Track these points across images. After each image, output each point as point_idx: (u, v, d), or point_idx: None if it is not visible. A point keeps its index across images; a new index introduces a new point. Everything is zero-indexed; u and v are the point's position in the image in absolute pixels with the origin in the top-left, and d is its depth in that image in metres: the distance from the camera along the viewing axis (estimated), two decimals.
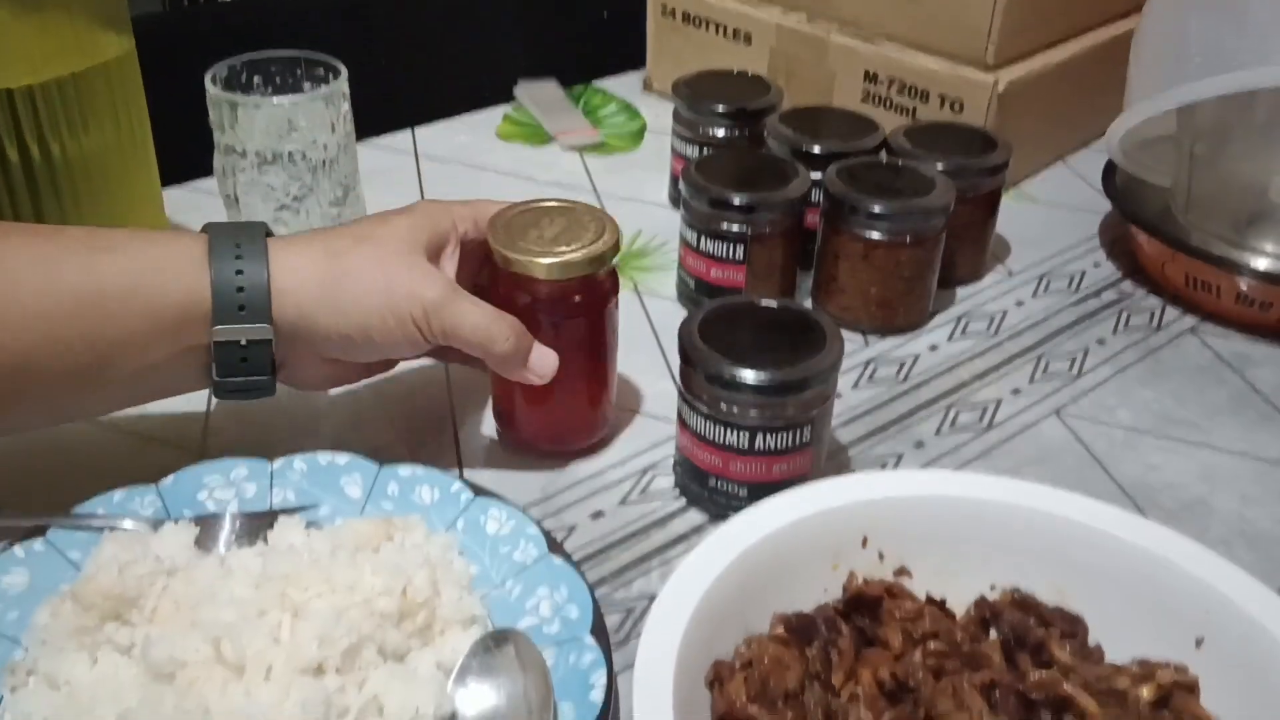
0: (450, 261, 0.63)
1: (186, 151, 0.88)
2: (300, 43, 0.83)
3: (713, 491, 0.64)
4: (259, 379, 0.60)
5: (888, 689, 0.50)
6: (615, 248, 0.65)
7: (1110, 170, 0.94)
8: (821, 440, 0.64)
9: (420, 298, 0.59)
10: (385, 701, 0.49)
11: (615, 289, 0.67)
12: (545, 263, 0.62)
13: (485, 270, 0.67)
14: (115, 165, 0.75)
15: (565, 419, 0.69)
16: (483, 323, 0.61)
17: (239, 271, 0.57)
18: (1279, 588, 0.57)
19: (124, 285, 0.56)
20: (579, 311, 0.65)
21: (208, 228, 0.60)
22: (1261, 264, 0.84)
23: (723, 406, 0.62)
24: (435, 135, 1.09)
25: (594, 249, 0.63)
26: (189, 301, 0.57)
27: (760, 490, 0.60)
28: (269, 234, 0.60)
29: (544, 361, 0.63)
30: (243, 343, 0.58)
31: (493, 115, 1.14)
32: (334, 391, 0.73)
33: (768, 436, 0.62)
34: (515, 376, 0.64)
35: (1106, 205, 0.95)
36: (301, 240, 0.60)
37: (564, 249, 0.63)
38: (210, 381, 0.60)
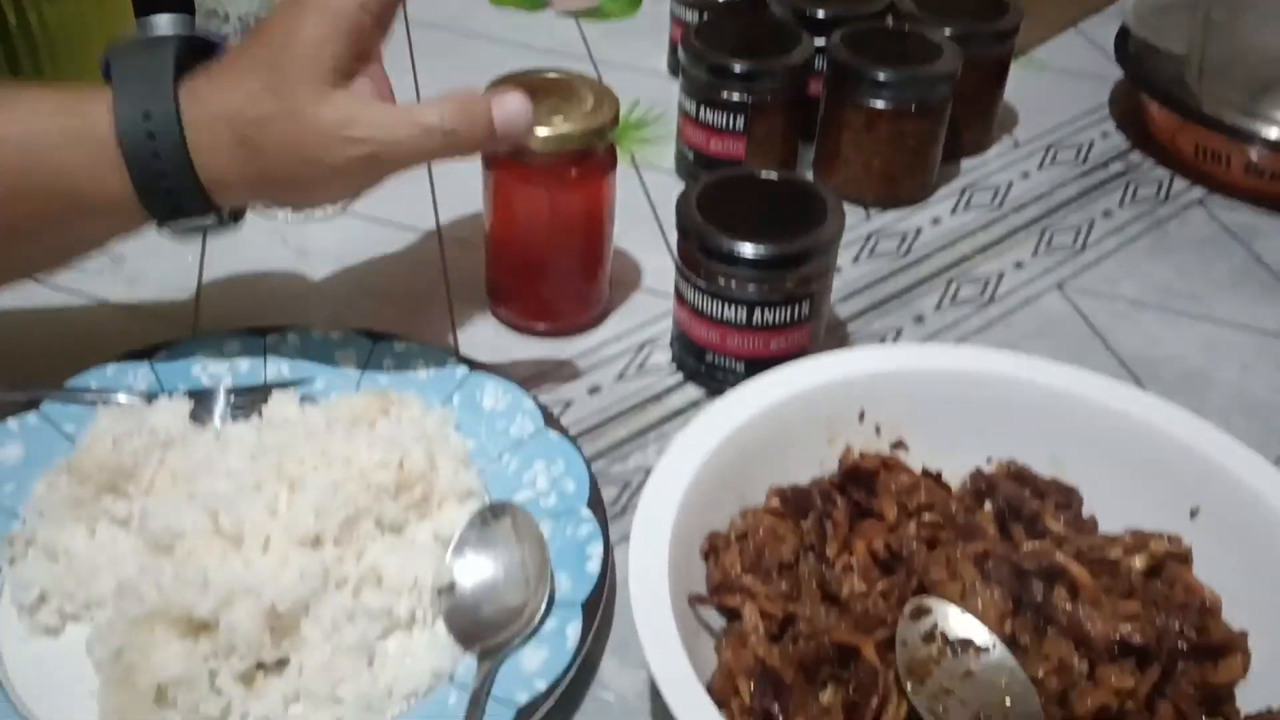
0: (364, 87, 0.54)
1: None
2: None
3: (710, 367, 0.64)
4: (201, 218, 0.55)
5: (881, 559, 0.50)
6: (614, 121, 0.63)
7: (1123, 36, 0.91)
8: (820, 315, 0.64)
9: (345, 119, 0.51)
10: (383, 572, 0.50)
11: (613, 164, 0.65)
12: (540, 134, 0.60)
13: None
14: (94, 30, 0.73)
15: (560, 297, 0.68)
16: (416, 118, 0.53)
17: (147, 115, 0.51)
18: (1276, 458, 0.57)
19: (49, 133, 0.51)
20: (575, 186, 0.63)
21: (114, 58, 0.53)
22: (1273, 133, 0.82)
23: (720, 281, 0.61)
24: (425, 1, 1.05)
25: (591, 121, 0.62)
26: (100, 152, 0.51)
27: (757, 365, 0.59)
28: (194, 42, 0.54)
29: (511, 113, 0.54)
30: (164, 189, 0.52)
31: None
32: (328, 267, 0.72)
33: (766, 311, 0.61)
34: (496, 146, 0.56)
35: (1118, 73, 0.93)
36: (211, 81, 0.53)
37: (560, 120, 0.61)
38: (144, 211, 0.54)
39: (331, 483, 0.50)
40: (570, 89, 0.64)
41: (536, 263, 0.64)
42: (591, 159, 0.63)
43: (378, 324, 0.64)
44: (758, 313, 0.61)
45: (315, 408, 0.57)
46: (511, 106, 0.54)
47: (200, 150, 0.52)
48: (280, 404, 0.56)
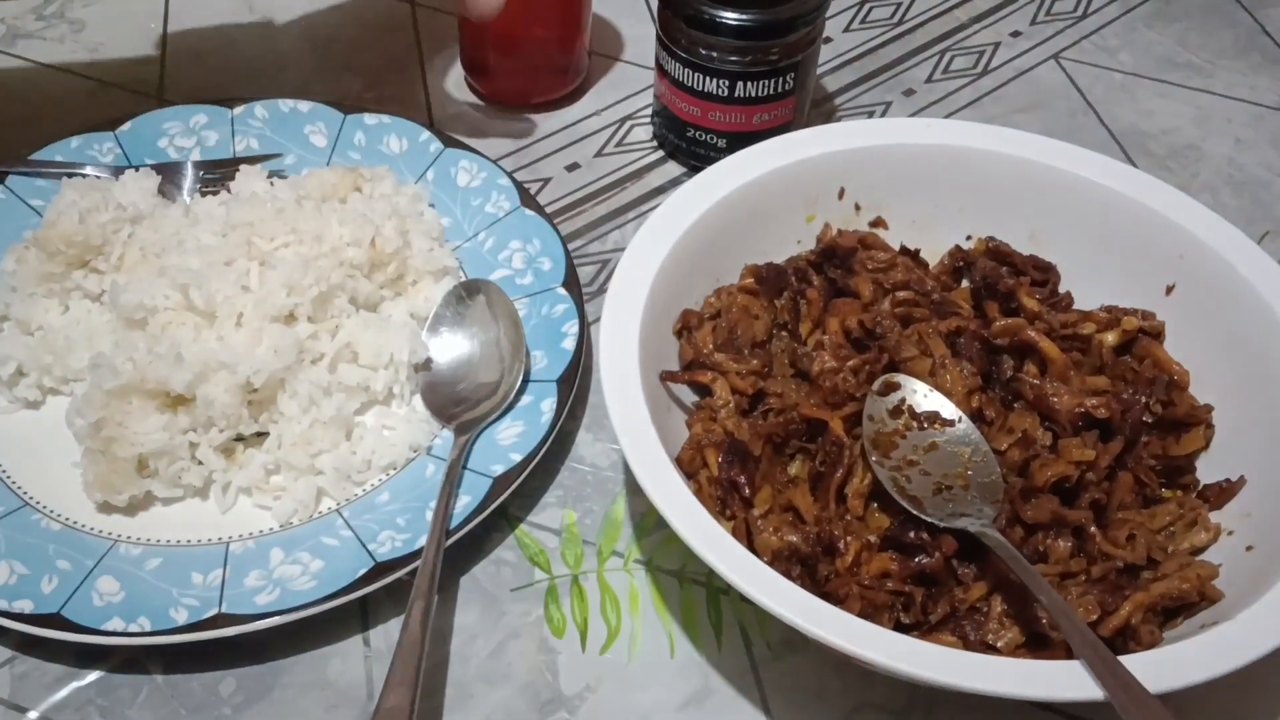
0: None
1: None
2: None
3: (691, 142, 0.62)
4: None
5: (854, 337, 0.50)
6: None
7: None
8: (805, 88, 0.62)
9: None
10: (359, 348, 0.50)
11: None
12: None
13: None
14: None
15: (538, 65, 0.65)
16: None
17: None
18: (1262, 234, 0.56)
19: None
20: None
21: None
22: None
23: (702, 51, 0.58)
24: None
25: None
26: None
27: (740, 141, 0.58)
28: None
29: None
30: None
31: None
32: (296, 34, 0.69)
33: (748, 84, 0.59)
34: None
35: None
36: None
37: None
38: None
39: (303, 260, 0.50)
40: None
41: (511, 31, 0.61)
42: None
43: (348, 95, 0.62)
44: (740, 85, 0.59)
45: (285, 183, 0.56)
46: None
47: None
48: (248, 179, 0.55)
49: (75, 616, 0.42)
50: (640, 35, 0.71)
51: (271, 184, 0.55)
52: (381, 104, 0.63)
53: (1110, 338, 0.50)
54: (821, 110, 0.67)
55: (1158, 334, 0.50)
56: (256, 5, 0.71)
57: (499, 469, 0.47)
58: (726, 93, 0.60)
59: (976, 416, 0.46)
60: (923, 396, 0.46)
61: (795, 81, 0.60)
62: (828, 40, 0.71)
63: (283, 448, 0.47)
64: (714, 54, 0.58)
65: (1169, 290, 0.50)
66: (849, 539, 0.43)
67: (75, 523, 0.46)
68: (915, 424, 0.46)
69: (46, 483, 0.47)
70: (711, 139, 0.62)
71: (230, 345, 0.47)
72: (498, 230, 0.57)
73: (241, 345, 0.47)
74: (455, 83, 0.67)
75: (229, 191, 0.55)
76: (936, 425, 0.46)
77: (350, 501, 0.47)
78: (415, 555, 0.44)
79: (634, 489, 0.50)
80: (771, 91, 0.60)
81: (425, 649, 0.41)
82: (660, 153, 0.65)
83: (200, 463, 0.47)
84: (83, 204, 0.51)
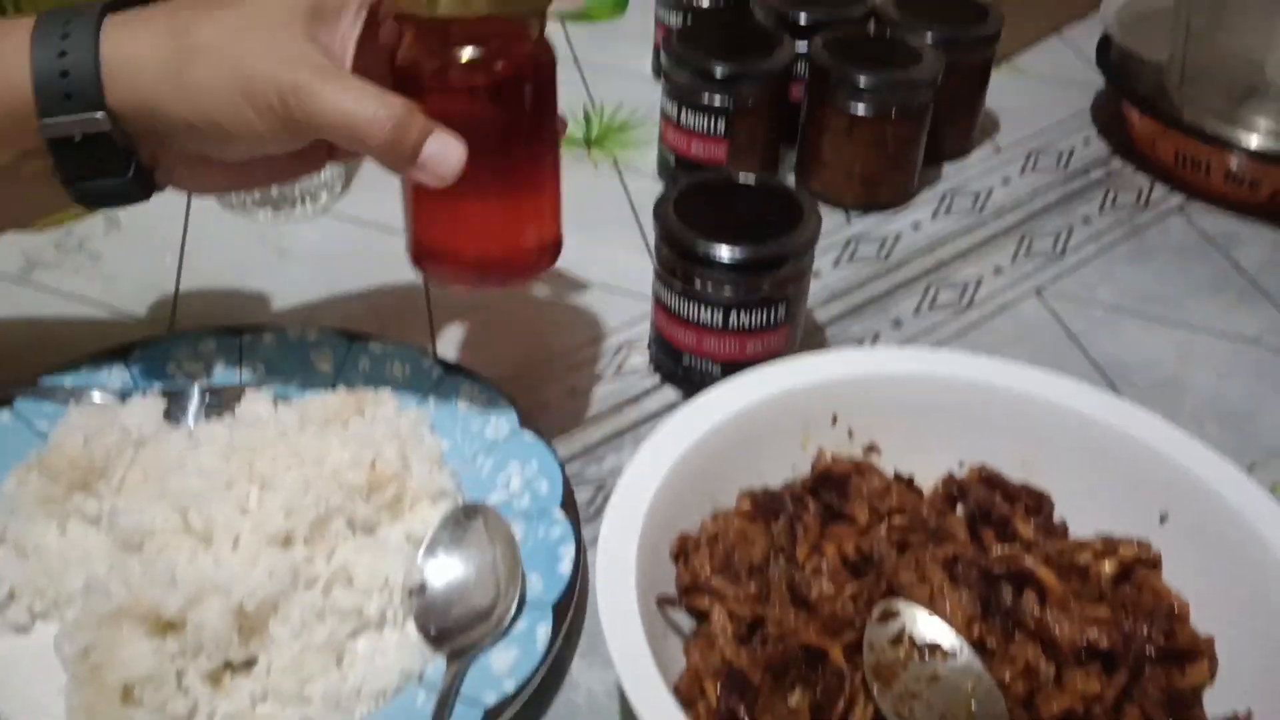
0: (351, 28, 0.50)
1: None
2: None
3: (687, 370, 0.64)
4: (116, 181, 0.50)
5: (851, 563, 0.50)
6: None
7: (1105, 44, 0.92)
8: (797, 319, 0.64)
9: (277, 81, 0.46)
10: (354, 572, 0.50)
11: (550, 61, 0.51)
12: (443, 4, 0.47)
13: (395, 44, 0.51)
14: None
15: (496, 238, 0.54)
16: (352, 108, 0.47)
17: (62, 53, 0.47)
18: (1249, 465, 0.57)
19: None
20: (502, 81, 0.49)
21: (40, 13, 0.49)
22: (1254, 141, 0.82)
23: (697, 283, 0.61)
24: None
25: None
26: (9, 95, 0.47)
27: (734, 368, 0.59)
28: (119, 7, 0.49)
29: (442, 154, 0.48)
30: (77, 138, 0.48)
31: None
32: (307, 267, 0.72)
33: (742, 314, 0.61)
34: (410, 177, 0.49)
35: (1100, 80, 0.93)
36: (142, 14, 0.49)
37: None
38: (64, 186, 0.50)
39: (303, 481, 0.50)
40: None
41: (459, 196, 0.49)
42: (520, 46, 0.50)
43: (355, 324, 0.64)
44: (734, 315, 0.61)
45: (289, 407, 0.56)
46: (448, 151, 0.48)
47: (117, 50, 0.48)
48: (254, 403, 0.56)
49: None
50: (637, 267, 0.74)
51: (276, 408, 0.56)
52: (386, 331, 0.65)
53: (1108, 567, 0.50)
54: (813, 340, 0.70)
55: (1155, 564, 0.50)
56: (268, 237, 0.75)
57: (491, 698, 0.46)
58: (721, 322, 0.62)
59: (978, 645, 0.46)
60: (923, 625, 0.46)
61: (787, 312, 0.62)
62: (817, 275, 0.74)
63: (272, 674, 0.46)
64: (709, 285, 0.61)
65: (1163, 519, 0.51)
66: None
67: None
68: (916, 654, 0.45)
69: (30, 711, 0.46)
70: (706, 366, 0.63)
71: (226, 568, 0.47)
72: (496, 453, 0.57)
73: (237, 568, 0.47)
74: (458, 309, 0.70)
75: (234, 415, 0.56)
76: (938, 655, 0.45)
77: None
78: None
79: (630, 718, 0.49)
80: (764, 322, 0.62)
81: None
82: (657, 378, 0.66)
83: (186, 691, 0.46)
84: (88, 428, 0.52)
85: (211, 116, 0.48)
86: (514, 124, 0.51)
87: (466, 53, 0.49)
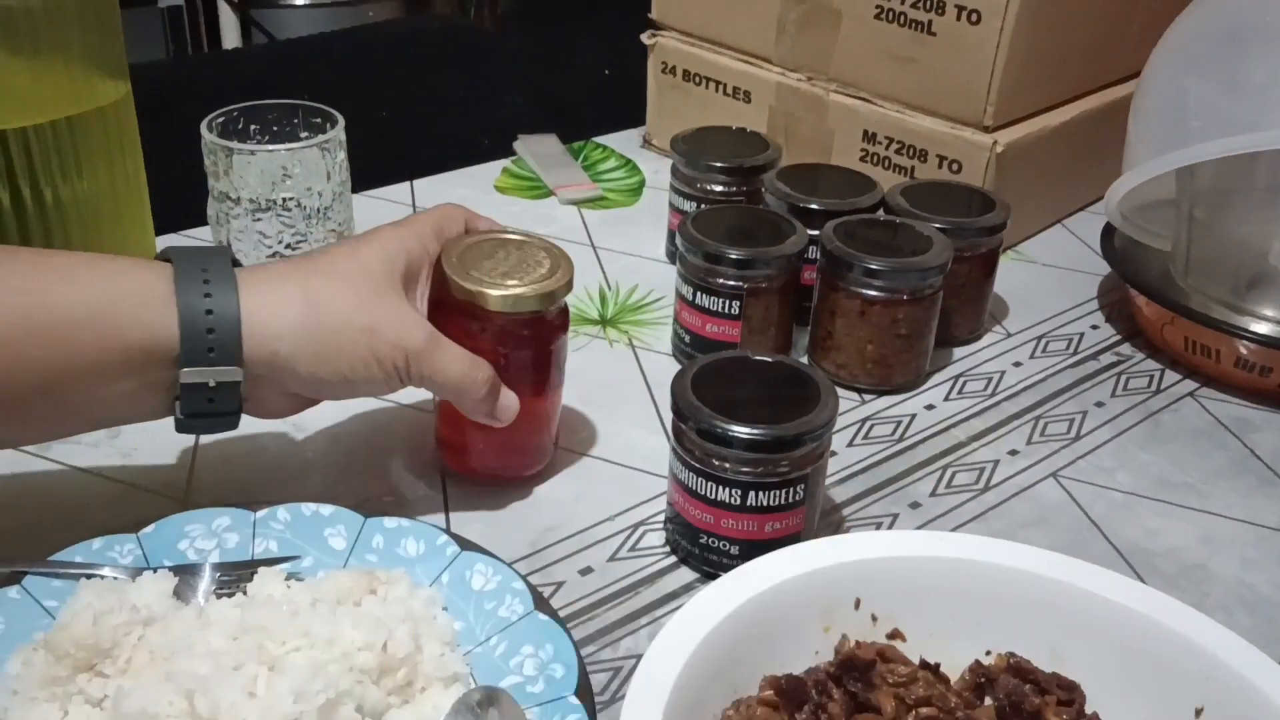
0: (424, 288, 0.63)
1: (182, 199, 0.88)
2: (300, 93, 0.84)
3: (704, 549, 0.63)
4: (225, 417, 0.58)
5: None
6: (567, 286, 0.65)
7: (1109, 232, 0.94)
8: (815, 499, 0.63)
9: (404, 347, 0.58)
10: None
11: (565, 325, 0.67)
12: (495, 294, 0.62)
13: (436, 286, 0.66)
14: (109, 211, 0.75)
15: (510, 449, 0.69)
16: (464, 372, 0.60)
17: (209, 311, 0.54)
18: None
19: (80, 315, 0.52)
20: (527, 344, 0.65)
21: (168, 252, 0.56)
22: (1262, 328, 0.84)
23: (715, 462, 0.61)
24: (433, 187, 1.09)
25: (545, 285, 0.63)
26: (153, 339, 0.53)
27: (752, 548, 0.59)
28: (234, 261, 0.57)
29: (508, 408, 0.64)
30: (211, 384, 0.55)
31: (492, 169, 1.14)
32: (323, 441, 0.72)
33: (760, 494, 0.61)
34: (479, 419, 0.63)
35: (1105, 267, 0.95)
36: (273, 275, 0.57)
37: (515, 284, 0.63)
38: (173, 416, 0.57)
39: (313, 665, 0.49)
40: (529, 250, 0.66)
41: (486, 437, 0.66)
42: (544, 320, 0.65)
43: (370, 499, 0.64)
44: (752, 495, 0.61)
45: (301, 585, 0.56)
46: (512, 404, 0.64)
47: (255, 313, 0.55)
48: (265, 581, 0.55)
49: None
50: (653, 446, 0.74)
51: (289, 586, 0.55)
52: (401, 507, 0.64)
53: None
54: (830, 520, 0.69)
55: None
56: None
57: None
58: (739, 501, 0.61)
59: None
60: None
61: (805, 492, 0.62)
62: (833, 454, 0.74)
63: None
64: (726, 465, 0.61)
65: (1198, 713, 0.49)
66: None
67: None
68: None
69: None
70: (724, 545, 0.63)
71: None
72: (510, 635, 0.56)
73: None
74: (473, 487, 0.69)
75: (244, 594, 0.55)
76: None
77: None
78: None
79: None
80: (783, 502, 0.61)
81: None
82: (673, 558, 0.65)
83: None
84: (98, 606, 0.51)
85: (345, 375, 0.57)
86: (532, 370, 0.66)
87: (504, 322, 0.64)
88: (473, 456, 0.69)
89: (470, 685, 0.54)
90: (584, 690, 0.52)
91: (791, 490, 0.61)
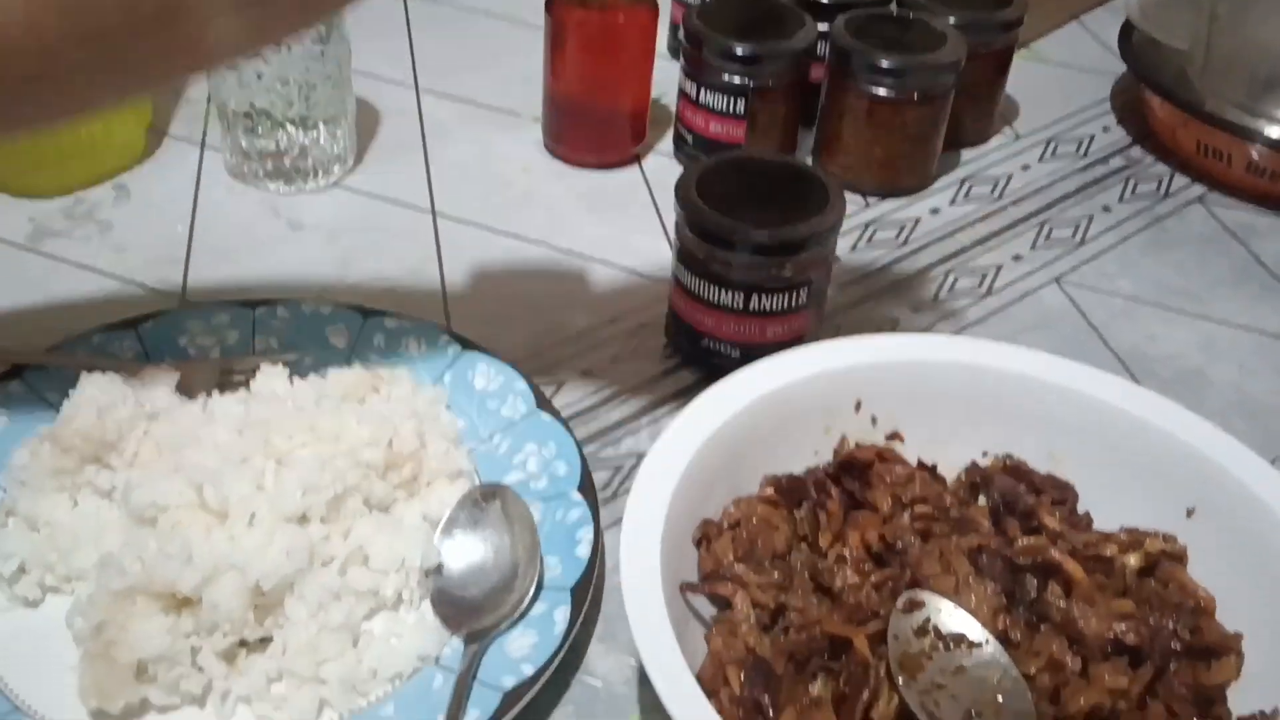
0: None
1: None
2: None
3: (705, 352, 0.63)
4: None
5: (875, 551, 0.49)
6: None
7: (1127, 31, 0.91)
8: (819, 303, 0.63)
9: None
10: (370, 551, 0.49)
11: (656, 14, 0.76)
12: None
13: None
14: None
15: (610, 128, 0.79)
16: None
17: None
18: (1274, 460, 0.57)
19: None
20: (625, 26, 0.75)
21: None
22: (1275, 132, 0.82)
23: (718, 265, 0.60)
24: None
25: None
26: None
27: (754, 352, 0.58)
28: None
29: None
30: None
31: None
32: (320, 240, 0.71)
33: (763, 298, 0.60)
34: None
35: (1120, 67, 0.92)
36: None
37: None
38: None
39: (320, 459, 0.49)
40: None
41: (589, 96, 0.77)
42: (638, 6, 0.75)
43: (369, 299, 0.63)
44: (755, 299, 0.60)
45: (304, 382, 0.56)
46: None
47: None
48: (268, 377, 0.55)
49: None
50: (655, 250, 0.73)
51: (292, 383, 0.55)
52: (401, 307, 0.64)
53: (1133, 560, 0.49)
54: (831, 324, 0.69)
55: (1180, 558, 0.50)
56: (282, 210, 0.74)
57: (509, 681, 0.45)
58: (741, 305, 0.61)
59: (1002, 638, 0.45)
60: (948, 616, 0.45)
61: (809, 296, 0.61)
62: (835, 258, 0.73)
63: (287, 654, 0.46)
64: (729, 268, 0.60)
65: (1189, 513, 0.50)
66: None
67: None
68: (941, 645, 0.45)
69: (40, 686, 0.45)
70: (726, 349, 0.63)
71: (242, 546, 0.46)
72: (513, 433, 0.57)
73: (253, 546, 0.46)
74: (475, 287, 0.69)
75: (248, 390, 0.55)
76: (963, 647, 0.44)
77: (354, 713, 0.45)
78: None
79: (648, 707, 0.48)
80: (786, 305, 0.61)
81: None
82: (674, 360, 0.65)
83: (200, 669, 0.45)
84: (101, 400, 0.51)
85: None
86: (629, 47, 0.76)
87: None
88: (579, 138, 0.80)
89: (475, 481, 0.55)
90: (587, 486, 0.53)
91: (795, 294, 0.61)
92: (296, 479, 0.48)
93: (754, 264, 0.59)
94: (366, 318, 0.61)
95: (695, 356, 0.64)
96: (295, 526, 0.48)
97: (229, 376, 0.57)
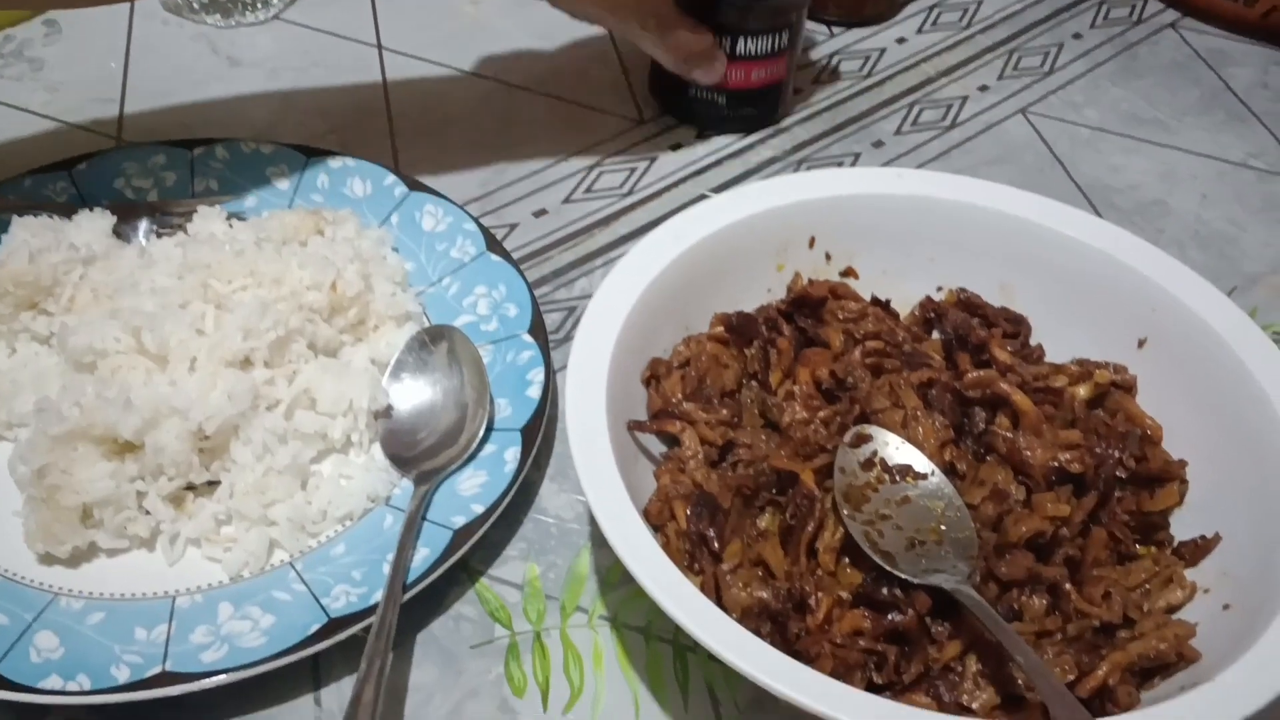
0: None
1: None
2: None
3: (692, 101, 0.66)
4: None
5: (825, 388, 0.49)
6: None
7: None
8: (797, 46, 0.66)
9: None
10: (317, 394, 0.48)
11: None
12: None
13: None
14: None
15: None
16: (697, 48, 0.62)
17: None
18: (1230, 289, 0.56)
19: None
20: None
21: None
22: None
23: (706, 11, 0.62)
24: None
25: None
26: None
27: (738, 99, 0.64)
28: None
29: (712, 73, 0.64)
30: None
31: None
32: (261, 77, 0.68)
33: (749, 41, 0.63)
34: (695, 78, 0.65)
35: None
36: None
37: None
38: None
39: (260, 303, 0.48)
40: None
41: None
42: None
43: (313, 139, 0.61)
44: (741, 43, 0.63)
45: (244, 225, 0.54)
46: (717, 71, 0.64)
47: None
48: (206, 220, 0.54)
49: (10, 674, 0.40)
50: (608, 80, 0.70)
51: (230, 225, 0.54)
52: (346, 147, 0.62)
53: (1082, 391, 0.49)
54: (791, 160, 0.67)
55: (1130, 388, 0.50)
56: (220, 46, 0.71)
57: (460, 520, 0.46)
58: (729, 50, 0.64)
59: (948, 470, 0.46)
60: (895, 449, 0.45)
61: (790, 38, 0.65)
62: (798, 91, 0.71)
63: (235, 497, 0.46)
64: (719, 13, 0.63)
65: (1141, 344, 0.50)
66: (820, 595, 0.42)
67: (14, 574, 0.44)
68: (887, 477, 0.45)
69: None
70: (713, 96, 0.66)
71: (183, 390, 0.45)
72: (463, 275, 0.55)
73: (194, 390, 0.46)
74: (421, 126, 0.66)
75: (186, 233, 0.54)
76: (909, 478, 0.45)
77: (304, 554, 0.46)
78: (370, 611, 0.42)
79: (599, 542, 0.49)
80: (769, 49, 0.64)
81: (378, 710, 0.39)
82: (630, 199, 0.64)
83: (148, 512, 0.45)
84: (34, 243, 0.50)
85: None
86: None
87: None
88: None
89: (424, 324, 0.54)
90: (537, 328, 0.53)
91: (777, 38, 0.64)
92: (237, 323, 0.47)
93: (742, 6, 0.62)
94: (309, 158, 0.59)
95: (683, 108, 0.67)
96: (237, 371, 0.47)
97: (167, 220, 0.56)
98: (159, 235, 0.54)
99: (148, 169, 0.58)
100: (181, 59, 0.69)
